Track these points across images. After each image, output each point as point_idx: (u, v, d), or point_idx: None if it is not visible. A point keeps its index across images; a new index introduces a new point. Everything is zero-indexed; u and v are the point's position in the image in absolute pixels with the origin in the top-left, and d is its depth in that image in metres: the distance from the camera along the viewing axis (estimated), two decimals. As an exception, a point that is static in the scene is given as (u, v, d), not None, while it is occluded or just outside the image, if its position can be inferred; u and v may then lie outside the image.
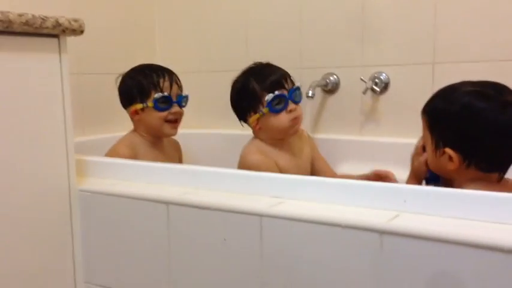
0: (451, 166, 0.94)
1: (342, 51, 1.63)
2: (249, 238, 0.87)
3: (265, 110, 1.31)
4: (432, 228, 0.73)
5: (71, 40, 1.06)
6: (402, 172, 1.43)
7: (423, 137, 1.04)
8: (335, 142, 1.60)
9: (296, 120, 1.34)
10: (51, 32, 0.99)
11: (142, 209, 1.00)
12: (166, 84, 1.42)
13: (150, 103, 1.40)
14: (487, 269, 0.68)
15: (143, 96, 1.41)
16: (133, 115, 1.44)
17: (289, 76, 1.37)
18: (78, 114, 1.65)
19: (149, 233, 1.00)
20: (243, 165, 1.34)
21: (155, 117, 1.41)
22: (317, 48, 1.67)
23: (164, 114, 1.41)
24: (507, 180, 0.97)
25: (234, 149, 1.80)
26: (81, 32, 1.04)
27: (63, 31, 1.01)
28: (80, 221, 1.08)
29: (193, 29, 1.95)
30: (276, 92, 1.30)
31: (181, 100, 1.46)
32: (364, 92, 1.56)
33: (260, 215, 0.86)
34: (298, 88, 1.34)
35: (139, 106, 1.41)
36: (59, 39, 1.02)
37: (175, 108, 1.43)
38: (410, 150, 1.49)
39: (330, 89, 1.64)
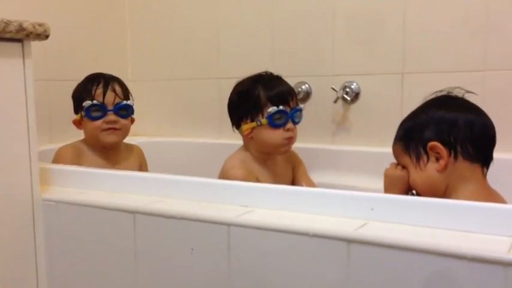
0: (442, 163, 0.95)
1: (313, 60, 1.64)
2: (217, 248, 0.86)
3: (264, 121, 1.27)
4: (399, 237, 0.73)
5: (39, 45, 1.04)
6: (373, 180, 1.45)
7: (404, 165, 1.04)
8: (307, 151, 1.60)
9: (290, 140, 1.30)
10: (15, 36, 0.96)
11: (108, 219, 0.98)
12: (99, 91, 1.37)
13: (83, 112, 1.36)
14: (453, 276, 0.68)
15: (79, 106, 1.38)
16: (78, 126, 1.41)
17: (296, 95, 1.35)
18: (46, 122, 1.62)
19: (115, 243, 0.98)
20: (224, 178, 1.29)
21: (90, 126, 1.37)
22: (289, 57, 1.68)
23: (97, 123, 1.36)
24: (493, 189, 0.99)
25: (206, 157, 1.79)
26: (46, 36, 1.02)
27: (27, 35, 0.98)
28: (43, 231, 1.05)
29: (164, 36, 1.94)
30: (281, 107, 1.26)
31: (118, 108, 1.38)
32: (335, 101, 1.57)
33: (228, 224, 0.85)
34: (300, 109, 1.32)
35: (78, 116, 1.39)
36: (22, 44, 1.00)
37: (110, 117, 1.37)
38: (381, 158, 1.51)
39: (301, 97, 1.65)
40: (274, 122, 1.27)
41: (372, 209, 0.81)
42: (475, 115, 0.97)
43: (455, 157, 0.95)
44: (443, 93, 1.04)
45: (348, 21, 1.58)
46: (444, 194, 0.97)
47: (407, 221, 0.78)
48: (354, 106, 1.59)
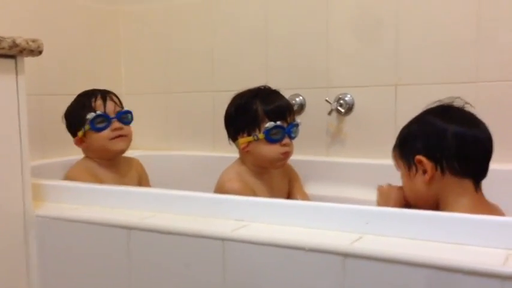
0: (427, 176, 0.96)
1: (307, 72, 1.64)
2: (212, 263, 0.85)
3: (260, 135, 1.26)
4: (395, 250, 0.73)
5: (32, 60, 1.04)
6: (368, 192, 1.44)
7: (400, 171, 1.05)
8: (301, 163, 1.60)
9: (286, 155, 1.30)
10: (8, 52, 0.96)
11: (102, 235, 0.97)
12: (99, 102, 1.38)
13: (87, 126, 1.36)
14: (449, 290, 0.68)
15: (81, 122, 1.37)
16: (80, 144, 1.41)
17: (293, 110, 1.35)
18: (39, 137, 1.61)
19: (110, 259, 0.97)
20: (221, 190, 1.28)
21: (97, 138, 1.37)
22: (283, 69, 1.68)
23: (104, 133, 1.37)
24: (489, 201, 0.99)
25: (200, 170, 1.79)
26: (40, 52, 1.02)
27: (21, 52, 0.98)
28: (36, 248, 1.04)
29: (158, 49, 1.94)
30: (278, 122, 1.26)
31: (121, 115, 1.40)
32: (330, 113, 1.57)
33: (222, 239, 0.84)
34: (297, 124, 1.32)
35: (80, 133, 1.38)
36: (16, 60, 1.00)
37: (115, 125, 1.38)
38: (376, 170, 1.51)
39: (295, 110, 1.64)
40: (271, 137, 1.26)
41: (367, 223, 0.81)
42: (469, 128, 0.97)
43: (442, 172, 0.95)
44: (445, 102, 1.03)
45: (341, 34, 1.59)
46: (436, 206, 0.98)
47: (402, 234, 0.78)
48: (348, 118, 1.59)
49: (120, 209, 1.03)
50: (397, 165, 1.05)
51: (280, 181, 1.40)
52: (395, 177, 1.08)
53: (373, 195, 1.39)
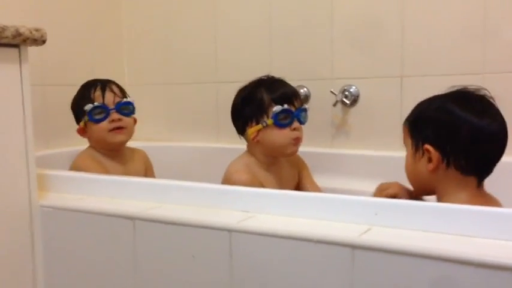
0: (431, 166, 0.94)
1: (312, 64, 1.63)
2: (218, 254, 0.85)
3: (269, 121, 1.24)
4: (405, 242, 0.72)
5: (35, 50, 1.03)
6: (373, 184, 1.44)
7: (405, 145, 1.03)
8: (306, 154, 1.58)
9: (297, 141, 1.28)
10: (11, 41, 0.95)
11: (107, 226, 0.97)
12: (98, 93, 1.37)
13: (86, 117, 1.36)
14: (459, 282, 0.67)
15: (81, 113, 1.37)
16: (82, 134, 1.41)
17: (299, 96, 1.33)
18: (42, 127, 1.60)
19: (115, 250, 0.96)
20: (228, 181, 1.26)
21: (96, 130, 1.36)
22: (287, 60, 1.67)
23: (103, 124, 1.35)
24: (489, 195, 0.97)
25: (203, 161, 1.78)
26: (43, 41, 1.01)
27: (24, 41, 0.97)
28: (41, 238, 1.04)
29: (161, 40, 1.93)
30: (285, 106, 1.24)
31: (120, 106, 1.38)
32: (335, 105, 1.56)
33: (229, 230, 0.84)
34: (305, 109, 1.29)
35: (81, 124, 1.38)
36: (19, 49, 0.98)
37: (113, 116, 1.36)
38: (381, 162, 1.50)
39: (300, 101, 1.64)
40: (279, 122, 1.24)
41: (376, 214, 0.80)
42: (488, 124, 0.92)
43: (447, 165, 0.93)
44: (470, 89, 0.99)
45: (346, 25, 1.57)
46: (431, 192, 0.98)
47: (411, 226, 0.78)
48: (353, 109, 1.58)
49: (124, 200, 1.03)
50: (404, 139, 1.03)
51: (289, 172, 1.38)
52: (400, 169, 1.06)
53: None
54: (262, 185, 1.27)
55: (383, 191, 1.08)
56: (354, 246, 0.74)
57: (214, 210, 0.93)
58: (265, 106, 1.26)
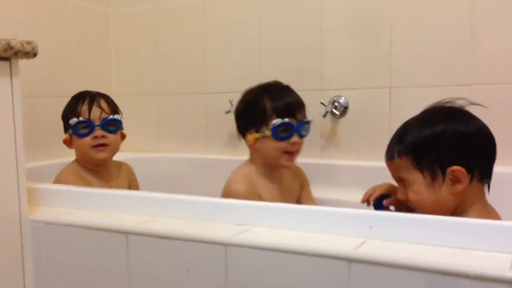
0: (459, 188, 0.90)
1: (301, 74, 1.64)
2: (214, 268, 0.84)
3: (268, 132, 1.24)
4: (400, 255, 0.73)
5: (23, 61, 1.02)
6: (362, 194, 1.45)
7: (404, 183, 0.98)
8: (296, 165, 1.60)
9: (290, 155, 1.27)
10: (2, 55, 0.94)
11: (100, 240, 0.96)
12: (84, 108, 1.35)
13: (70, 130, 1.35)
14: (455, 295, 0.68)
15: (67, 125, 1.36)
16: (67, 145, 1.39)
17: (304, 107, 1.30)
18: (30, 138, 1.58)
19: (108, 265, 0.95)
20: (227, 192, 1.25)
21: (79, 144, 1.35)
22: (277, 71, 1.67)
23: (86, 140, 1.34)
24: (491, 207, 0.98)
25: (192, 173, 1.78)
26: (34, 54, 1.00)
27: (15, 54, 0.96)
28: (31, 253, 1.02)
29: (150, 51, 1.93)
30: (286, 119, 1.23)
31: (106, 123, 1.36)
32: (324, 116, 1.57)
33: (225, 244, 0.84)
34: (308, 122, 1.29)
35: (67, 136, 1.37)
36: (10, 62, 0.97)
37: (97, 132, 1.34)
38: (370, 172, 1.51)
39: (289, 112, 1.64)
40: (278, 135, 1.23)
41: (371, 227, 0.81)
42: (489, 131, 0.95)
43: (471, 179, 0.92)
44: (451, 103, 0.99)
45: (336, 36, 1.59)
46: (452, 214, 0.92)
47: (406, 239, 0.78)
48: (342, 120, 1.59)
49: (116, 214, 1.02)
50: (403, 174, 0.96)
51: (291, 182, 1.37)
52: (388, 179, 1.07)
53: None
54: (260, 197, 1.27)
55: (375, 191, 1.08)
56: (349, 260, 0.75)
57: (208, 223, 0.92)
58: (266, 116, 1.25)
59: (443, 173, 0.92)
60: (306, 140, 1.63)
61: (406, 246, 0.76)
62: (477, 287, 0.66)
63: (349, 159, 1.58)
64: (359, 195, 1.44)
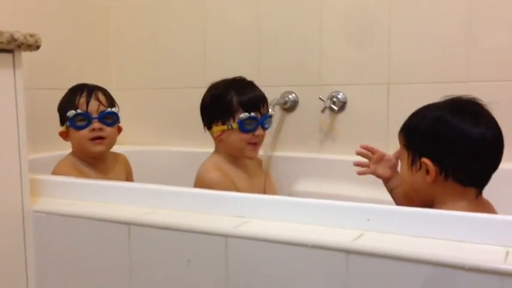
0: (429, 179, 0.94)
1: (300, 70, 1.65)
2: (214, 259, 0.86)
3: (234, 125, 1.32)
4: (397, 247, 0.75)
5: (23, 53, 1.02)
6: (359, 189, 1.47)
7: (399, 157, 1.05)
8: (294, 159, 1.62)
9: (254, 146, 1.36)
10: (6, 47, 0.95)
11: (102, 231, 0.97)
12: (82, 100, 1.35)
13: (68, 122, 1.35)
14: (450, 287, 0.70)
15: (64, 117, 1.36)
16: (64, 138, 1.40)
17: (267, 102, 1.40)
18: (30, 130, 1.58)
19: (109, 255, 0.97)
20: (201, 182, 1.32)
21: (76, 136, 1.36)
22: (276, 67, 1.69)
23: (83, 132, 1.34)
24: (485, 200, 0.98)
25: (192, 166, 1.78)
26: (38, 47, 1.01)
27: (19, 46, 0.97)
28: (33, 244, 1.03)
29: (149, 44, 1.93)
30: (252, 114, 1.32)
31: (103, 116, 1.37)
32: (323, 111, 1.59)
33: (225, 236, 0.85)
34: (271, 116, 1.40)
35: (64, 128, 1.37)
36: (13, 55, 0.98)
37: (95, 125, 1.35)
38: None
39: (288, 107, 1.66)
40: (244, 127, 1.32)
41: (369, 220, 0.82)
42: (491, 138, 0.93)
43: (446, 178, 0.94)
44: (466, 98, 0.98)
45: (334, 32, 1.60)
46: (431, 203, 0.97)
47: (403, 232, 0.80)
48: (340, 116, 1.61)
49: (118, 205, 1.03)
50: (400, 150, 1.03)
51: (257, 170, 1.47)
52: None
53: (364, 193, 1.42)
54: (234, 183, 1.33)
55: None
56: (347, 251, 0.76)
57: (209, 215, 0.94)
58: (233, 110, 1.33)
59: (420, 162, 0.96)
60: (304, 134, 1.66)
61: (403, 239, 0.78)
62: (471, 278, 0.68)
63: (347, 154, 1.59)
64: (357, 190, 1.47)
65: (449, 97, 0.99)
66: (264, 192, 1.47)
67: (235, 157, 1.39)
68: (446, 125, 0.94)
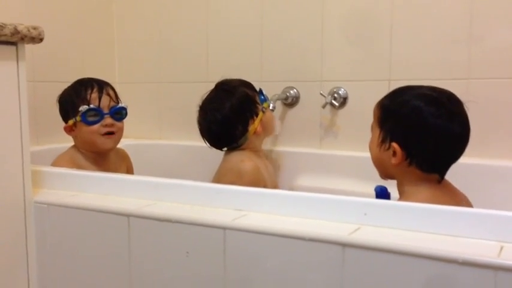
0: (394, 161, 0.99)
1: (301, 65, 1.66)
2: (213, 251, 0.87)
3: (78, 118, 1.35)
4: (393, 241, 0.75)
5: (26, 46, 1.03)
6: (360, 184, 1.48)
7: (371, 129, 1.08)
8: (295, 155, 1.63)
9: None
10: (9, 39, 0.96)
11: (102, 222, 0.98)
12: (94, 96, 1.37)
13: (78, 117, 1.36)
14: (445, 280, 0.71)
15: (73, 112, 1.37)
16: (69, 132, 1.41)
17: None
18: (32, 123, 1.59)
19: (109, 247, 0.98)
20: (236, 172, 1.37)
21: (86, 131, 1.37)
22: (277, 62, 1.70)
23: (95, 127, 1.36)
24: (447, 183, 1.03)
25: (193, 160, 1.80)
26: (41, 40, 1.02)
27: (22, 39, 0.98)
28: (35, 235, 1.05)
29: (152, 39, 1.94)
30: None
31: (114, 111, 1.39)
32: (324, 107, 1.59)
33: (224, 228, 0.86)
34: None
35: (71, 122, 1.38)
36: (17, 47, 0.99)
37: (107, 120, 1.37)
38: (368, 163, 1.53)
39: (290, 102, 1.67)
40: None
41: (365, 214, 0.83)
42: (459, 130, 0.97)
43: (410, 163, 0.99)
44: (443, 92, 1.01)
45: (336, 28, 1.61)
46: (393, 178, 1.04)
47: (399, 226, 0.81)
48: (341, 111, 1.61)
49: (119, 197, 1.04)
50: (373, 121, 1.07)
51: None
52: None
53: (364, 188, 1.43)
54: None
55: None
56: (344, 244, 0.77)
57: (208, 208, 0.95)
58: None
59: (389, 143, 1.00)
60: (305, 130, 1.66)
61: (398, 233, 0.79)
62: (466, 272, 0.69)
63: (348, 149, 1.61)
64: (357, 186, 1.48)
65: (435, 88, 1.02)
66: None
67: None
68: (423, 118, 0.97)
